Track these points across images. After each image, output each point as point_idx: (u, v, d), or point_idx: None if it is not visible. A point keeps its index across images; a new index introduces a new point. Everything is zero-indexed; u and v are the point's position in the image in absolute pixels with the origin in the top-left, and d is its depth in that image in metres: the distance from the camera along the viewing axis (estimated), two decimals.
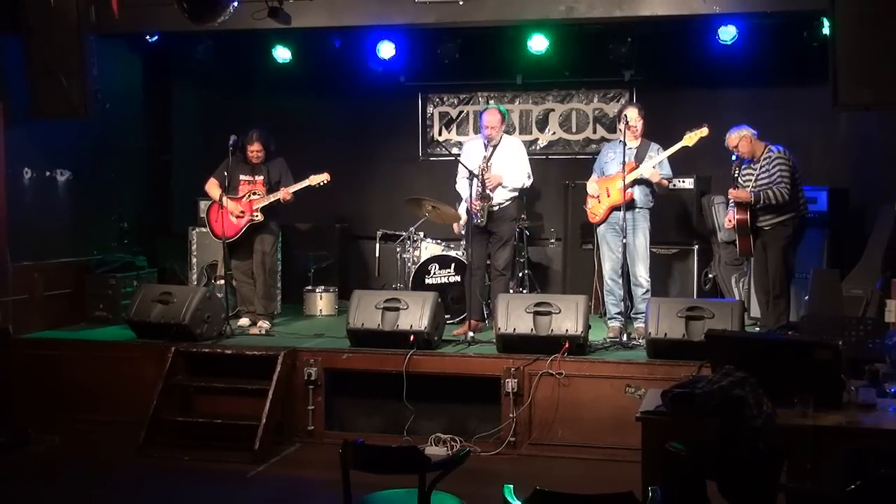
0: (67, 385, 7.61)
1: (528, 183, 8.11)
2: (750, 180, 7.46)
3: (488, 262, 8.21)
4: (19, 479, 6.53)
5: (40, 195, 8.46)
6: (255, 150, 8.24)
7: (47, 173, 8.55)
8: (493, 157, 7.91)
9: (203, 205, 9.00)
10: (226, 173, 8.13)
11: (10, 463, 6.77)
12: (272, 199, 8.17)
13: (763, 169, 7.39)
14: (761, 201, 7.31)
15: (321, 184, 8.24)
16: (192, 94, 10.64)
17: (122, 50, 9.21)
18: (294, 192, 8.20)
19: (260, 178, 8.27)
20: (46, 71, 7.78)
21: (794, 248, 7.51)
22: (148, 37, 8.95)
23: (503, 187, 7.90)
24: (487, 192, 7.81)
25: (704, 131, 7.56)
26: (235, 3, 6.48)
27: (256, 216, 8.16)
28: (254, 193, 8.21)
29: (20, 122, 8.07)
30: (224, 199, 8.10)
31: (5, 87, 7.94)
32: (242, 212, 8.17)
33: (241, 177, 8.29)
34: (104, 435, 7.18)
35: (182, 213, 9.81)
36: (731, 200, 7.52)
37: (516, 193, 8.07)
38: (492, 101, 9.96)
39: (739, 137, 7.45)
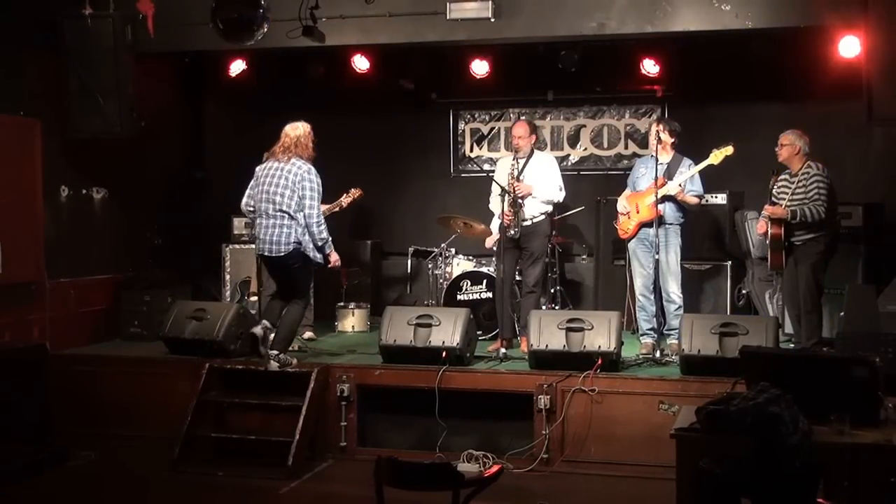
0: (103, 401, 7.67)
1: (560, 197, 8.08)
2: (786, 193, 7.39)
3: (518, 278, 8.20)
4: (59, 494, 6.58)
5: (76, 213, 8.58)
6: None
7: (83, 191, 8.67)
8: (524, 170, 7.92)
9: (237, 222, 9.06)
10: None
11: (50, 478, 6.81)
12: None
13: (800, 184, 7.32)
14: (797, 218, 7.24)
15: (355, 199, 8.31)
16: (226, 112, 10.73)
17: (157, 68, 9.32)
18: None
19: None
20: (83, 90, 7.93)
21: (824, 264, 7.41)
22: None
23: (534, 198, 7.88)
24: (518, 200, 7.81)
25: (730, 150, 7.50)
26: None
27: None
28: None
29: (57, 141, 8.19)
30: None
31: (42, 106, 8.05)
32: None
33: None
34: (139, 450, 7.24)
35: (216, 230, 9.87)
36: (766, 213, 7.45)
37: (549, 208, 8.05)
38: (523, 117, 9.93)
39: (789, 143, 7.36)
